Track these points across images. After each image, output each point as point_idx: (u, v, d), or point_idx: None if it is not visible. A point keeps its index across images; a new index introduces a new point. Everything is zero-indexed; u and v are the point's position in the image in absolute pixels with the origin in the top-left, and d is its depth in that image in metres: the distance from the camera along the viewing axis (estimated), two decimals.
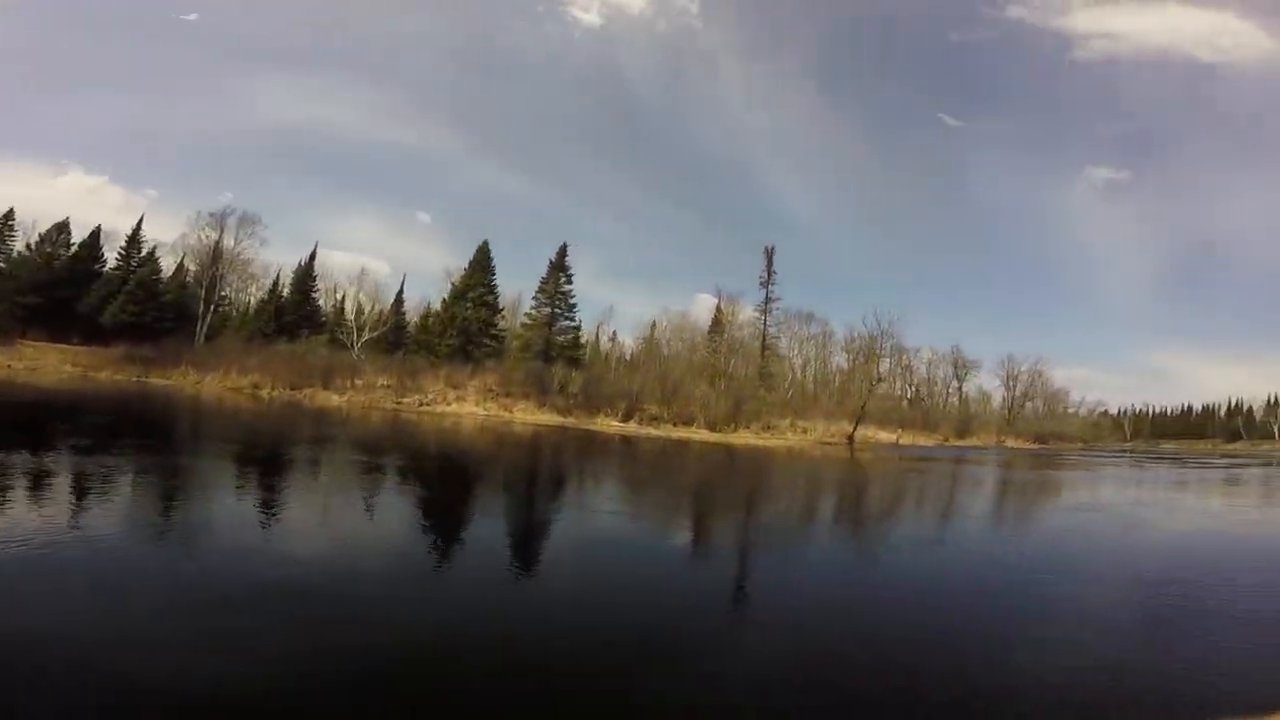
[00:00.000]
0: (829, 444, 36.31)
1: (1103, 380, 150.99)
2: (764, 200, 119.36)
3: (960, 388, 75.84)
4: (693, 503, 12.50)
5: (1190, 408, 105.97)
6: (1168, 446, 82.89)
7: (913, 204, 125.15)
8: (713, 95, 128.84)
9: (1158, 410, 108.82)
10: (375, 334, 49.13)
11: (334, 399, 35.33)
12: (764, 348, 48.34)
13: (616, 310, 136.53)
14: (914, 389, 74.38)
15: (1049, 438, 69.18)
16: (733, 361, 50.25)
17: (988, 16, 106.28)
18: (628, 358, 59.85)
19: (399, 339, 50.27)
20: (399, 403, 36.08)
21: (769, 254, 51.04)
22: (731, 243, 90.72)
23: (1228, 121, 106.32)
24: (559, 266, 47.33)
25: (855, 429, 38.39)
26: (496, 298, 49.33)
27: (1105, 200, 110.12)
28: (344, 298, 54.82)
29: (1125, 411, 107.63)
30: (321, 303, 54.64)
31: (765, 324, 49.08)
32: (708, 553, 7.83)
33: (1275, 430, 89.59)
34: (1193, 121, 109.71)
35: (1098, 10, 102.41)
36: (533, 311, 48.27)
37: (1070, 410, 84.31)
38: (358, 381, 37.81)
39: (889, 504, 13.40)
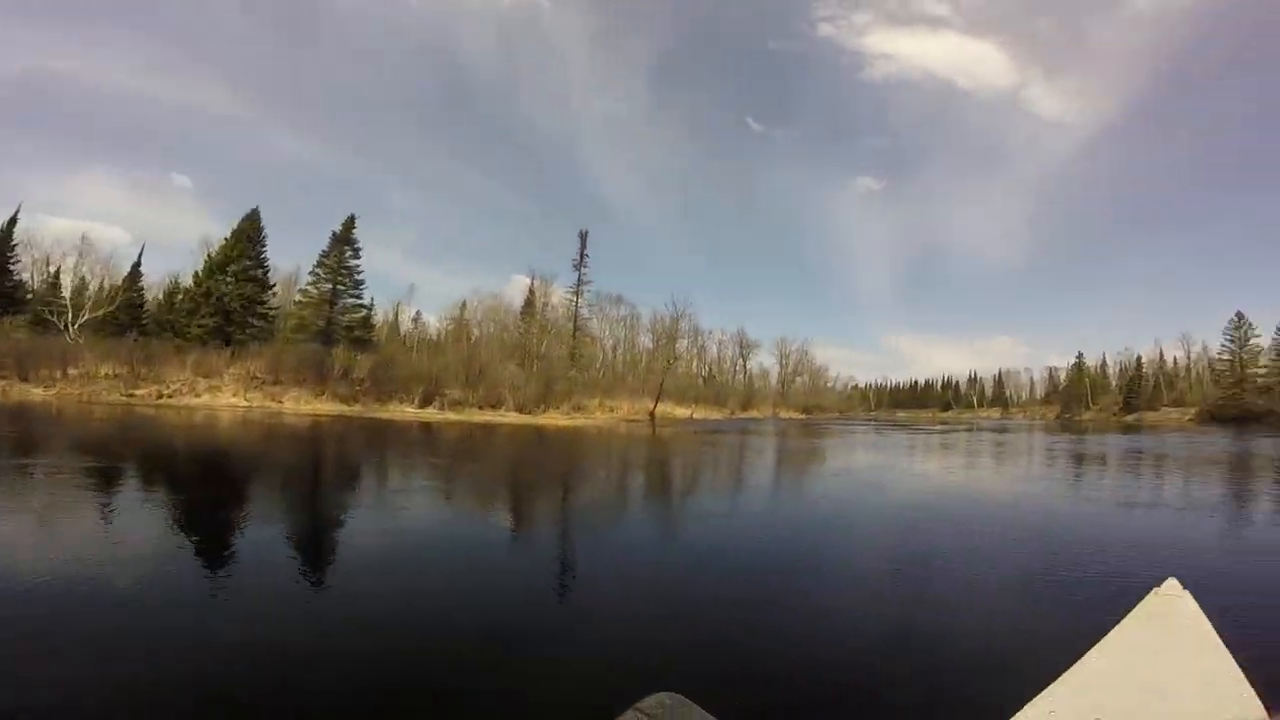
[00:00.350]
0: (634, 421, 37.65)
1: (855, 358, 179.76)
2: (589, 186, 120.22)
3: (745, 365, 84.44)
4: (504, 488, 11.36)
5: (916, 382, 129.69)
6: (901, 415, 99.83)
7: (716, 199, 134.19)
8: (553, 78, 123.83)
9: (894, 384, 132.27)
10: (100, 313, 39.51)
11: (36, 392, 27.77)
12: (575, 329, 48.64)
13: (425, 290, 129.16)
14: (707, 368, 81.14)
15: (813, 409, 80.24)
16: (545, 343, 49.79)
17: (802, 31, 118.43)
18: (434, 340, 56.31)
19: (134, 319, 41.02)
20: (130, 395, 29.52)
21: (583, 238, 51.47)
22: (555, 226, 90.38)
23: (965, 142, 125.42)
24: (344, 239, 42.25)
25: (655, 406, 40.31)
26: (267, 272, 42.58)
27: (865, 206, 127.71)
28: (59, 271, 43.22)
29: (871, 385, 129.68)
30: (28, 277, 42.56)
31: (577, 306, 49.49)
32: (524, 540, 6.86)
33: (974, 400, 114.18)
34: (939, 140, 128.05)
35: (889, 33, 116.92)
36: (310, 288, 42.61)
37: (830, 385, 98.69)
38: (71, 370, 30.14)
39: (688, 478, 13.81)
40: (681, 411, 46.68)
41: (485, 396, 35.34)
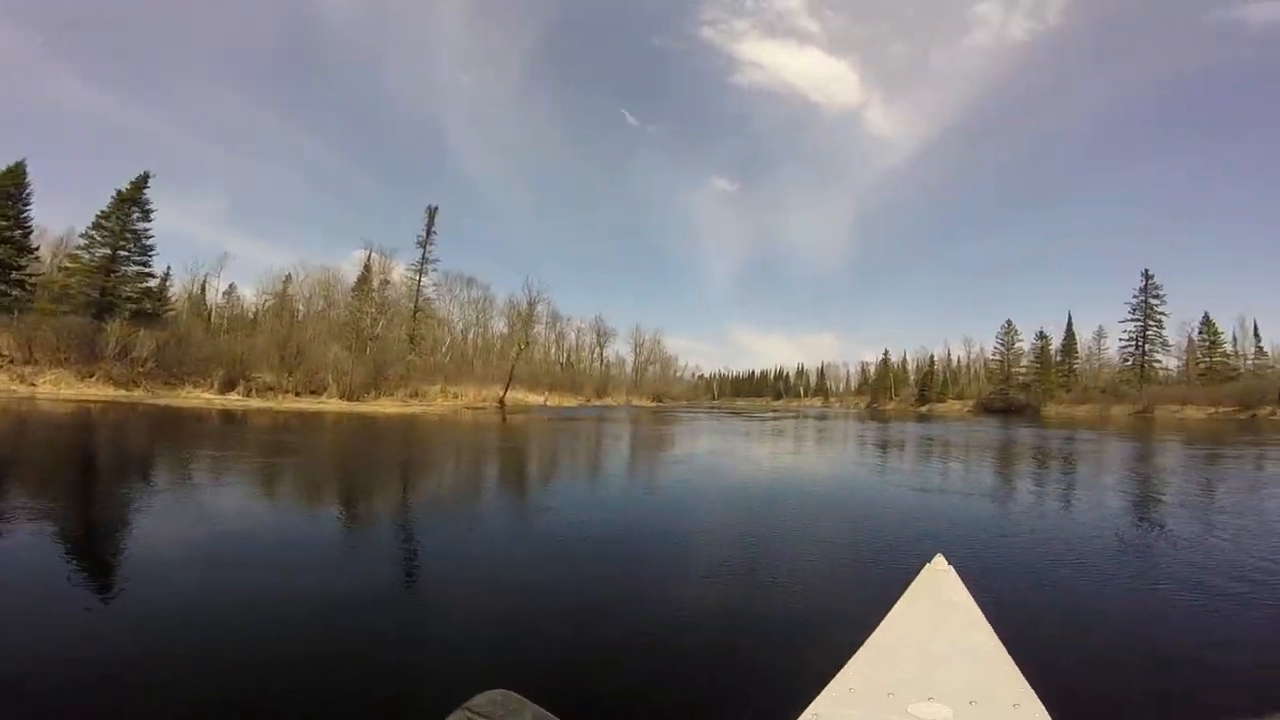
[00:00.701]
0: (479, 409, 35.70)
1: (701, 349, 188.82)
2: (451, 165, 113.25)
3: (602, 353, 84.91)
4: (325, 482, 9.83)
5: (754, 373, 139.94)
6: (740, 403, 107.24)
7: (585, 188, 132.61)
8: (421, 47, 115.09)
9: (735, 374, 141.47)
10: None
11: None
12: (417, 309, 44.81)
13: (250, 264, 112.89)
14: (565, 355, 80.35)
15: (663, 397, 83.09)
16: (381, 323, 45.43)
17: (687, 31, 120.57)
18: (250, 317, 48.89)
19: None
20: None
21: (430, 213, 47.52)
22: (411, 205, 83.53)
23: (810, 153, 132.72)
24: (131, 199, 34.80)
25: (506, 392, 38.61)
26: (28, 234, 34.02)
27: (720, 206, 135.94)
28: None
29: (715, 375, 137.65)
30: None
31: (420, 284, 45.58)
32: (349, 539, 6.08)
33: (800, 390, 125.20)
34: (790, 149, 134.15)
35: (763, 42, 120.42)
36: (80, 252, 34.70)
37: (678, 374, 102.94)
38: None
39: (534, 467, 13.04)
40: (534, 398, 45.42)
41: (304, 381, 31.32)
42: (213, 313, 49.93)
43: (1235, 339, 59.80)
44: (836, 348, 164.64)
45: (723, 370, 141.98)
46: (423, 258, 45.52)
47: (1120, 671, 3.14)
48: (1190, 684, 3.03)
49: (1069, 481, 11.66)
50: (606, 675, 3.02)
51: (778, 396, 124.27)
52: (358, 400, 31.22)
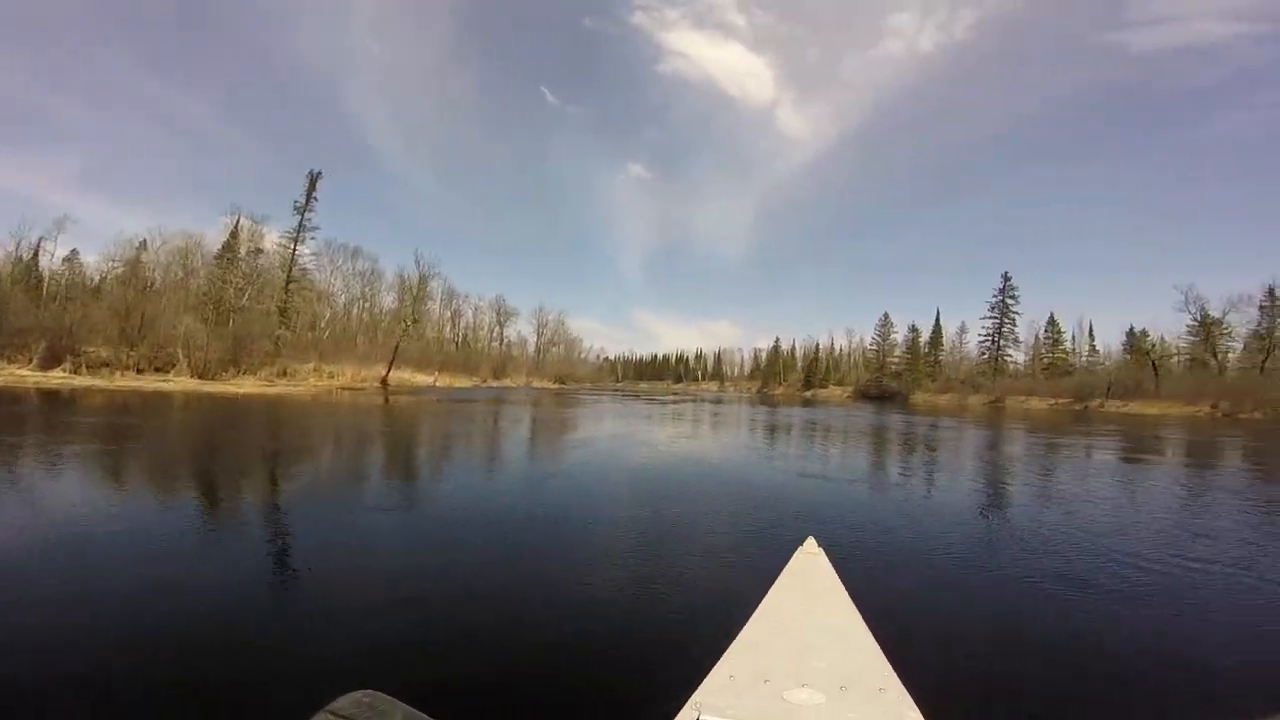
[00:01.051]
0: (357, 389, 33.64)
1: (608, 332, 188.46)
2: (354, 135, 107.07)
3: (502, 333, 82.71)
4: (167, 476, 8.58)
5: (656, 356, 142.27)
6: (643, 386, 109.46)
7: (498, 166, 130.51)
8: (335, 12, 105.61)
9: (639, 357, 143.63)
10: None
11: None
12: (289, 281, 41.17)
13: (103, 228, 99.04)
14: (461, 334, 77.46)
15: (566, 379, 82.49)
16: (249, 294, 41.48)
17: (618, 14, 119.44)
18: (94, 285, 42.81)
19: None
20: None
21: (312, 179, 43.35)
22: (301, 171, 77.40)
23: (724, 147, 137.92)
24: None
25: (389, 372, 36.64)
26: None
27: (635, 192, 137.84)
28: None
29: (620, 357, 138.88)
30: None
31: (294, 253, 41.78)
32: (199, 534, 5.40)
33: (699, 374, 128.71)
34: (705, 141, 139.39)
35: (691, 33, 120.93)
36: None
37: (583, 356, 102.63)
38: None
39: (412, 452, 12.29)
40: (423, 378, 43.31)
41: (149, 357, 28.06)
42: (46, 281, 43.43)
43: (1074, 338, 68.27)
44: (734, 334, 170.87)
45: (628, 353, 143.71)
46: (299, 225, 41.75)
47: (979, 654, 3.28)
48: (1048, 669, 3.12)
49: (933, 466, 12.35)
50: (483, 672, 2.90)
51: (678, 380, 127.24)
52: (213, 379, 28.38)
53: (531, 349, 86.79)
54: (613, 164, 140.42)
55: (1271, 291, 45.85)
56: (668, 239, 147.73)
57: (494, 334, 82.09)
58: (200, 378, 28.05)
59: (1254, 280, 61.70)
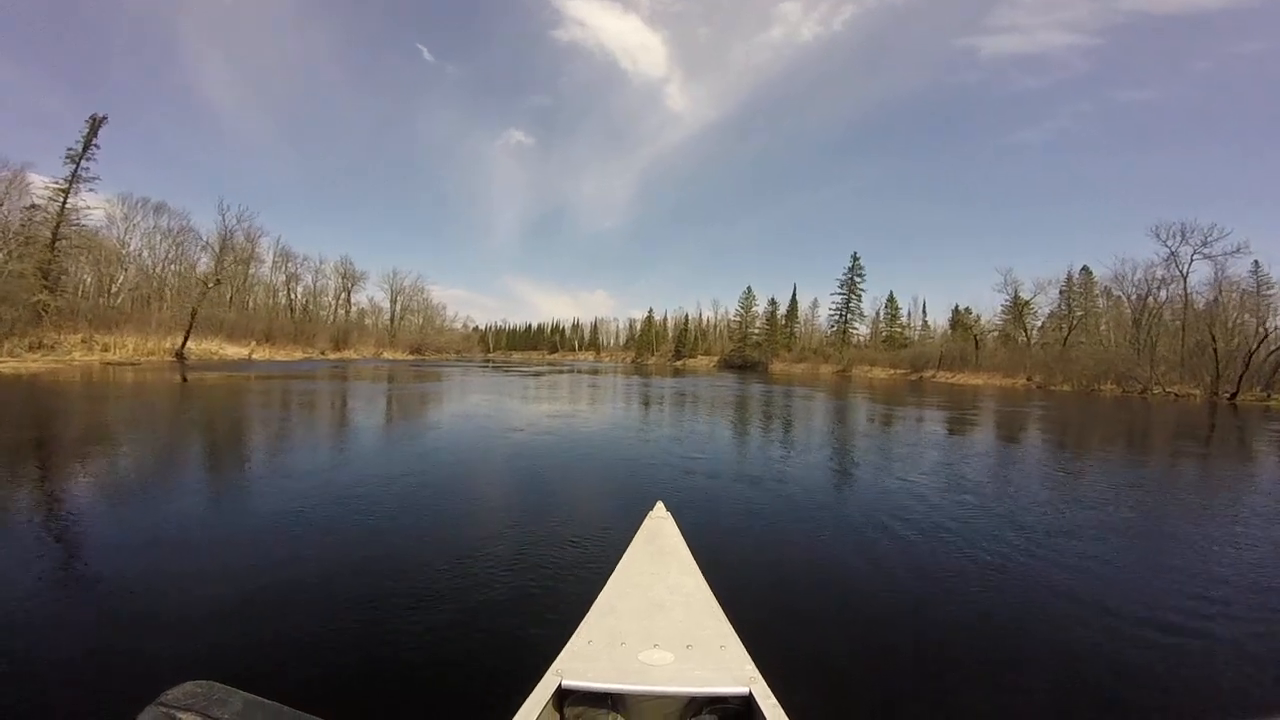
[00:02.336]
0: (135, 364, 27.86)
1: (479, 301, 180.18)
2: (182, 85, 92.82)
3: (348, 300, 74.76)
4: None
5: (530, 326, 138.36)
6: (517, 356, 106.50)
7: (360, 123, 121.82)
8: None
9: (512, 327, 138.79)
10: None
11: None
12: (56, 238, 32.85)
13: None
14: (302, 300, 68.89)
15: (427, 349, 76.74)
16: (4, 253, 32.82)
17: None
18: None
19: None
20: None
21: (93, 123, 34.49)
22: (123, 128, 64.56)
23: (610, 118, 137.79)
24: None
25: (185, 343, 30.94)
26: None
27: (513, 158, 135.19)
28: None
29: (491, 327, 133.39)
30: None
31: (64, 206, 33.23)
32: None
33: (575, 344, 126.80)
34: (592, 111, 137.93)
35: (590, 1, 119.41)
36: None
37: (447, 324, 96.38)
38: None
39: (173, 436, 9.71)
40: (237, 351, 37.25)
41: None
42: None
43: (909, 314, 74.82)
44: (611, 305, 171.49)
45: (500, 323, 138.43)
46: (73, 174, 33.38)
47: (810, 610, 3.41)
48: (873, 624, 3.26)
49: (782, 432, 12.65)
50: (335, 659, 2.68)
51: (554, 350, 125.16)
52: None
53: (385, 317, 79.55)
54: (492, 128, 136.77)
55: (1070, 276, 52.60)
56: (546, 208, 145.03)
57: (340, 301, 74.08)
58: None
59: (1057, 267, 72.13)
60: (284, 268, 66.26)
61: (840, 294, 71.25)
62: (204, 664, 2.56)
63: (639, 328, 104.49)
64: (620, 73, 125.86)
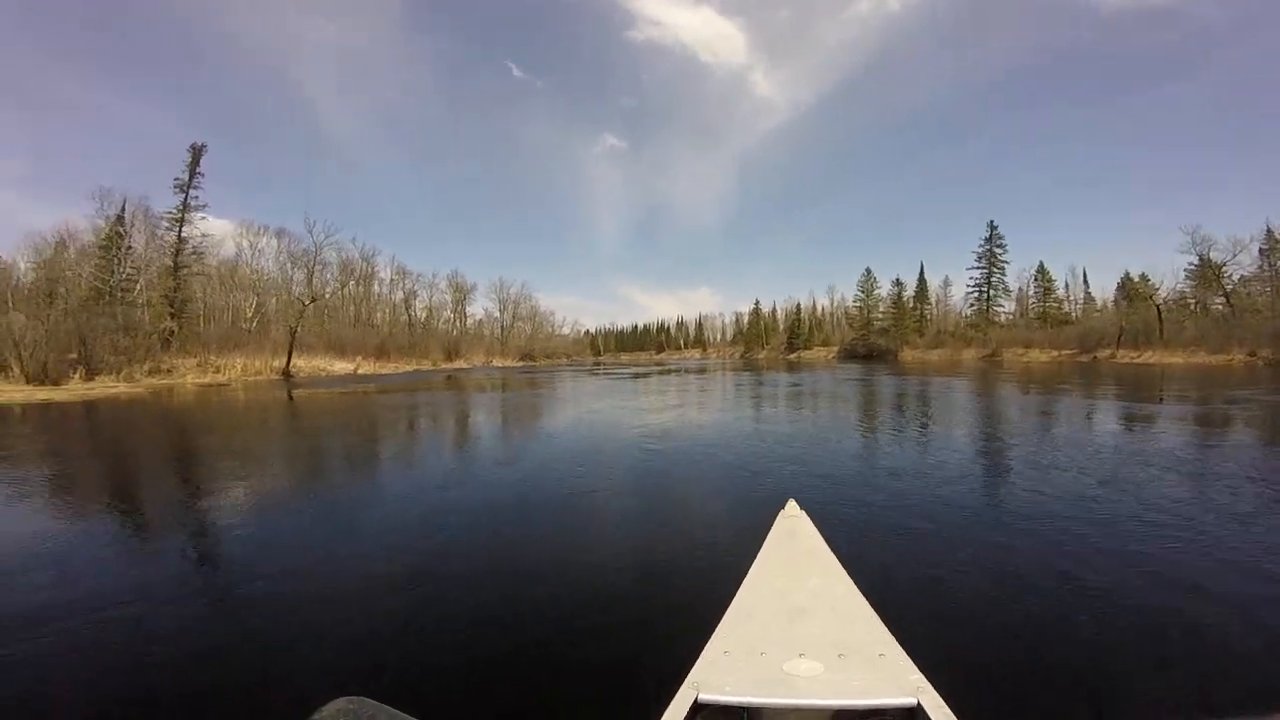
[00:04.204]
0: (224, 385, 28.37)
1: (588, 306, 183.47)
2: (307, 121, 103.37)
3: (462, 311, 77.03)
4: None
5: (637, 327, 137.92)
6: (625, 357, 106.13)
7: (466, 144, 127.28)
8: None
9: (620, 329, 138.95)
10: None
11: None
12: (177, 266, 35.07)
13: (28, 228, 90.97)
14: (420, 314, 71.96)
15: (536, 355, 77.23)
16: (139, 286, 35.58)
17: None
18: None
19: None
20: None
21: (195, 152, 36.82)
22: (264, 165, 74.97)
23: (698, 113, 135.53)
24: None
25: (289, 361, 31.46)
26: None
27: (609, 162, 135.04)
28: None
29: (600, 330, 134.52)
30: None
31: (180, 234, 35.64)
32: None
33: (680, 342, 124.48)
34: (678, 108, 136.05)
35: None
36: None
37: (557, 330, 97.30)
38: None
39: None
40: (343, 366, 37.93)
41: None
42: None
43: (1067, 286, 64.10)
44: (715, 301, 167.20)
45: (609, 325, 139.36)
46: (183, 204, 35.60)
47: (977, 616, 3.07)
48: (1050, 634, 2.86)
49: (929, 427, 10.73)
50: (467, 668, 2.67)
51: (660, 350, 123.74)
52: (54, 384, 23.13)
53: (499, 327, 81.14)
54: (586, 136, 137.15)
55: (1270, 233, 41.63)
56: (644, 208, 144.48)
57: (457, 313, 76.48)
58: (38, 383, 22.82)
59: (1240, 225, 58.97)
60: (401, 285, 69.60)
61: (979, 268, 62.36)
62: (353, 677, 2.59)
63: (745, 321, 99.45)
64: (701, 66, 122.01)
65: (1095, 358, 42.60)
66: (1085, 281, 63.73)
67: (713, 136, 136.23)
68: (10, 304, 26.60)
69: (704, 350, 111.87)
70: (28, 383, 22.77)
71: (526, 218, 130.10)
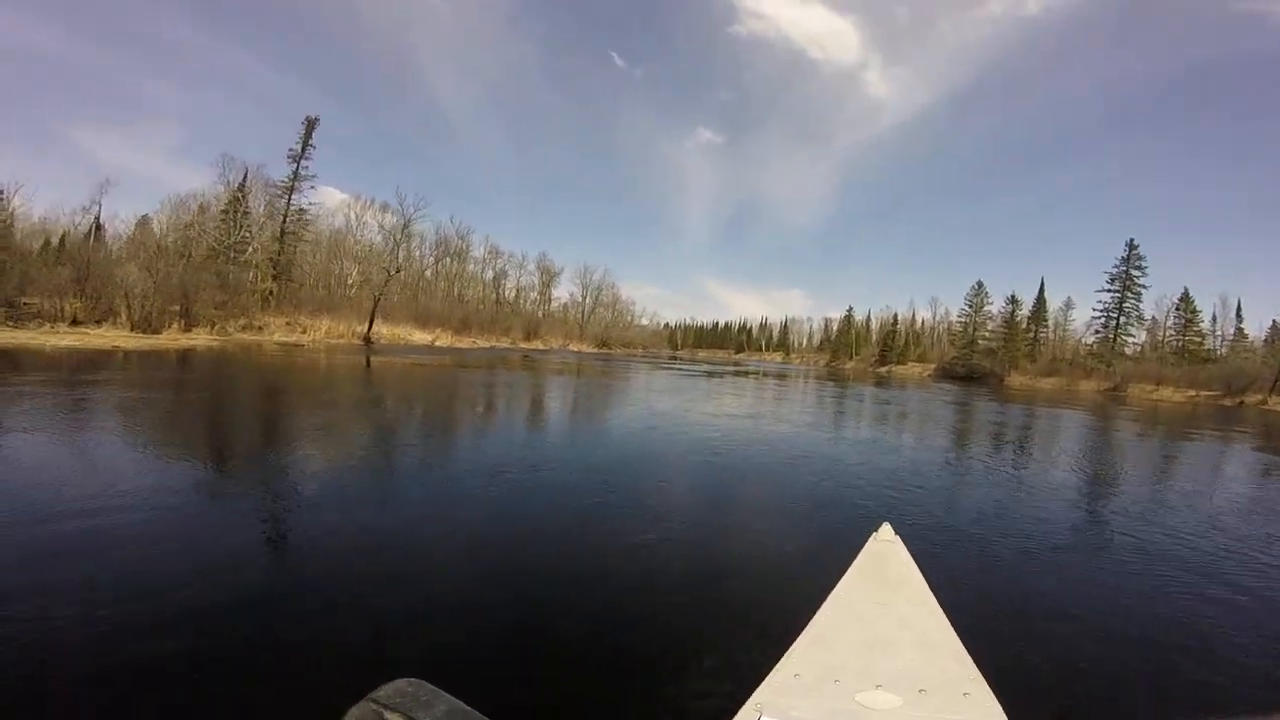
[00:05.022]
0: (313, 349, 29.09)
1: (669, 298, 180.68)
2: (422, 95, 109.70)
3: (548, 293, 77.99)
4: None
5: (718, 324, 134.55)
6: (702, 354, 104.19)
7: (564, 127, 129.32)
8: None
9: (699, 324, 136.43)
10: None
11: None
12: (284, 232, 36.86)
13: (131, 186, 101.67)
14: (509, 293, 73.69)
15: (612, 342, 76.91)
16: (251, 248, 37.69)
17: None
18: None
19: None
20: None
21: (308, 124, 38.35)
22: (381, 138, 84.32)
23: (802, 110, 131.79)
24: None
25: (370, 328, 32.12)
26: None
27: (703, 156, 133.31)
28: None
29: (679, 324, 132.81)
30: None
31: (289, 202, 37.41)
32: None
33: (762, 344, 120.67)
34: (780, 104, 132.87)
35: None
36: None
37: (634, 320, 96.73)
38: None
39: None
40: (422, 337, 38.57)
41: (88, 309, 24.51)
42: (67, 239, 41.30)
43: (1215, 318, 55.83)
44: (804, 305, 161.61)
45: (689, 320, 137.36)
46: (294, 174, 37.29)
47: (1072, 659, 2.87)
48: (1149, 677, 2.80)
49: (1043, 464, 9.59)
50: (530, 664, 2.61)
51: (740, 349, 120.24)
52: (154, 332, 24.54)
53: (583, 311, 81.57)
54: (682, 128, 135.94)
55: None
56: (736, 204, 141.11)
57: (542, 294, 77.56)
58: (140, 331, 24.27)
59: None
60: (493, 264, 71.27)
61: (1110, 291, 55.35)
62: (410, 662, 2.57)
63: (835, 328, 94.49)
64: (808, 62, 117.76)
65: (1242, 403, 36.45)
66: (1239, 315, 55.28)
67: (816, 135, 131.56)
68: (131, 258, 28.63)
69: (787, 354, 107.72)
70: (132, 330, 24.29)
71: (617, 205, 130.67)
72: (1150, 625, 3.35)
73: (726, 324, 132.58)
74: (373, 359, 23.27)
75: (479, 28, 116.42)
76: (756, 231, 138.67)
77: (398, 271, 38.35)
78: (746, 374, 35.29)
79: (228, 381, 13.80)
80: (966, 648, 1.51)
